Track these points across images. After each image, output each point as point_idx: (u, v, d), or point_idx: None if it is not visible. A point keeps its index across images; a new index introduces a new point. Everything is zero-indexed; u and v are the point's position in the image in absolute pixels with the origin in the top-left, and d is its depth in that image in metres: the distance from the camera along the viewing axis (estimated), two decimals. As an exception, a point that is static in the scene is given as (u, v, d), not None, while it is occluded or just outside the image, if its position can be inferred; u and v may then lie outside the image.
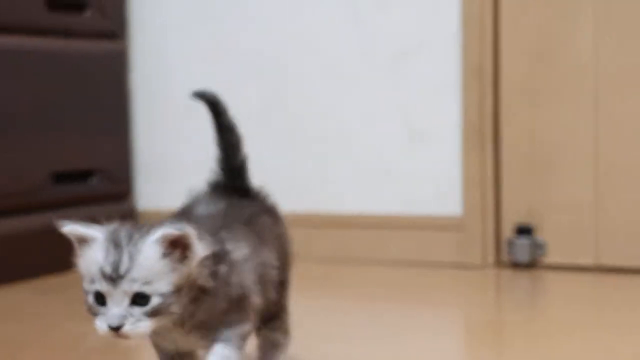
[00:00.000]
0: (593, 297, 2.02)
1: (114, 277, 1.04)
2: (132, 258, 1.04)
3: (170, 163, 2.61)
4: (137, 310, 1.04)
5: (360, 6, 2.39)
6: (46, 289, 2.15)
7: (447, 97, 2.32)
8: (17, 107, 2.23)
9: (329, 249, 2.42)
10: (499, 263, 2.30)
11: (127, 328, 1.04)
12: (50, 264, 2.23)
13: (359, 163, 2.41)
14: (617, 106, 2.19)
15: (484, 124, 2.28)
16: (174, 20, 2.59)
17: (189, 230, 1.06)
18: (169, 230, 1.05)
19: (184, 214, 1.21)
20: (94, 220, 1.10)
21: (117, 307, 1.04)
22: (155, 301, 1.04)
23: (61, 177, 2.35)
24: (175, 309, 1.06)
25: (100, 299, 1.05)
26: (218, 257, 1.12)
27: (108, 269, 1.04)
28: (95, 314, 1.05)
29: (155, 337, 1.13)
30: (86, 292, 1.06)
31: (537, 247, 2.26)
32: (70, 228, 1.07)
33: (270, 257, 1.23)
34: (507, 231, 2.29)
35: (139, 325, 1.04)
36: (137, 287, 1.04)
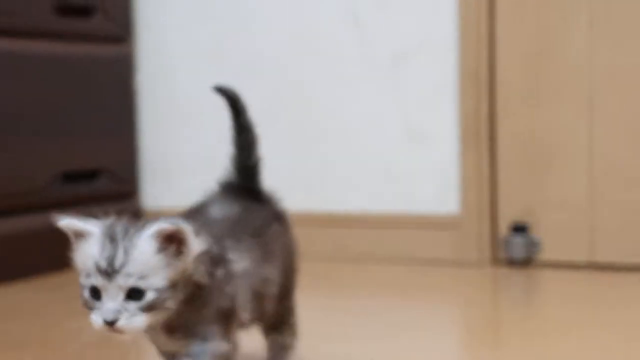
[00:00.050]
0: (588, 294, 2.00)
1: (109, 272, 1.00)
2: (127, 253, 1.01)
3: (175, 163, 2.59)
4: (132, 305, 1.00)
5: (360, 8, 2.36)
6: (58, 286, 2.12)
7: (445, 98, 2.30)
8: (25, 109, 2.22)
9: (329, 248, 2.39)
10: (495, 261, 2.27)
11: (121, 323, 1.00)
12: (64, 262, 2.21)
13: (358, 163, 2.39)
14: (611, 107, 2.17)
15: (481, 125, 2.26)
16: (178, 22, 2.57)
17: (184, 226, 1.02)
18: (164, 225, 1.01)
19: (197, 213, 1.17)
20: (94, 216, 1.07)
21: (112, 302, 1.00)
22: (150, 296, 1.01)
23: (69, 178, 2.33)
24: (171, 304, 1.02)
25: (96, 293, 1.02)
26: (216, 261, 1.08)
27: (103, 264, 1.01)
28: (90, 309, 1.02)
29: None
30: (82, 287, 1.03)
31: (533, 245, 2.24)
32: (67, 222, 1.04)
33: (272, 272, 1.19)
34: (504, 229, 2.27)
35: (134, 320, 1.01)
36: (132, 282, 1.00)
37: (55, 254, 2.07)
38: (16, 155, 2.19)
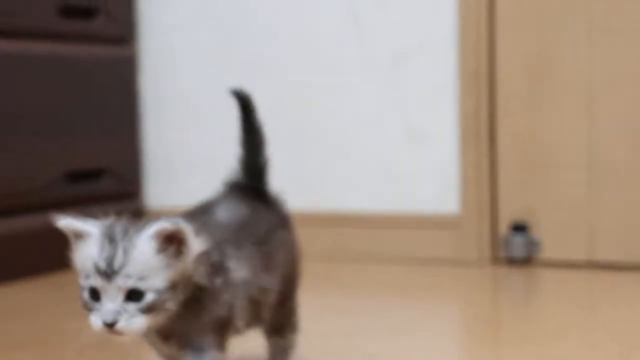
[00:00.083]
0: (587, 293, 1.97)
1: (109, 273, 0.96)
2: (126, 253, 0.97)
3: (178, 163, 2.56)
4: (132, 306, 0.96)
5: (360, 8, 2.32)
6: (58, 286, 2.08)
7: (445, 98, 2.26)
8: (28, 110, 2.19)
9: (330, 248, 2.36)
10: (495, 260, 2.23)
11: (121, 324, 0.96)
12: (64, 262, 2.17)
13: (359, 163, 2.35)
14: (610, 107, 2.14)
15: (481, 125, 2.23)
16: (180, 23, 2.54)
17: (184, 225, 0.98)
18: (164, 225, 0.97)
19: (203, 214, 1.13)
20: (94, 216, 1.03)
21: (112, 303, 0.96)
22: (150, 297, 0.97)
23: (73, 177, 2.31)
24: (171, 305, 0.98)
25: (95, 294, 0.98)
26: (216, 268, 1.04)
27: (102, 264, 0.97)
28: (90, 310, 0.98)
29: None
30: (81, 288, 0.99)
31: (532, 244, 2.20)
32: (66, 223, 1.00)
33: (271, 282, 1.15)
34: (503, 229, 2.23)
35: (134, 321, 0.97)
36: (131, 283, 0.96)
37: (55, 253, 2.05)
38: (19, 155, 2.16)
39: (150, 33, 2.57)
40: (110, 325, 0.96)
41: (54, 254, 2.09)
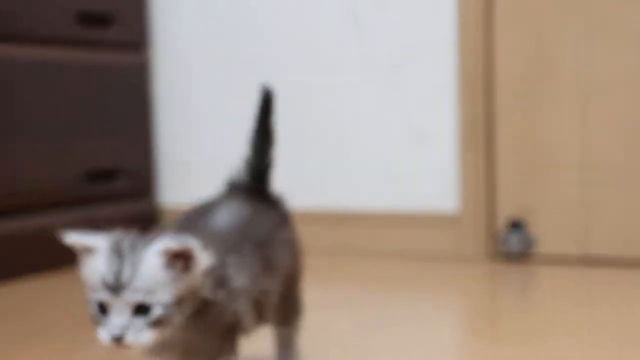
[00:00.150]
0: (581, 288, 1.94)
1: (116, 287, 0.92)
2: (134, 268, 0.92)
3: (190, 163, 2.53)
4: (139, 321, 0.92)
5: (360, 9, 2.27)
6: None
7: (444, 99, 2.21)
8: (49, 114, 2.18)
9: (331, 246, 2.31)
10: (493, 256, 2.19)
11: (129, 339, 0.91)
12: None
13: (360, 163, 2.30)
14: (604, 109, 2.09)
15: (480, 126, 2.18)
16: (192, 30, 2.50)
17: (192, 243, 0.93)
18: (172, 243, 0.92)
19: (203, 217, 1.07)
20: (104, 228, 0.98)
21: (119, 317, 0.92)
22: (157, 311, 0.92)
23: (91, 177, 2.29)
24: (178, 319, 0.94)
25: (103, 308, 0.93)
26: (219, 281, 0.99)
27: (110, 279, 0.92)
28: (97, 324, 0.93)
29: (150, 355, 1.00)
30: (89, 302, 0.94)
31: (529, 241, 2.16)
32: (74, 239, 0.95)
33: (272, 284, 1.11)
34: (501, 226, 2.18)
35: (141, 335, 0.92)
36: (139, 297, 0.91)
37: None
38: (43, 156, 2.15)
39: (163, 40, 2.53)
40: (118, 340, 0.91)
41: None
